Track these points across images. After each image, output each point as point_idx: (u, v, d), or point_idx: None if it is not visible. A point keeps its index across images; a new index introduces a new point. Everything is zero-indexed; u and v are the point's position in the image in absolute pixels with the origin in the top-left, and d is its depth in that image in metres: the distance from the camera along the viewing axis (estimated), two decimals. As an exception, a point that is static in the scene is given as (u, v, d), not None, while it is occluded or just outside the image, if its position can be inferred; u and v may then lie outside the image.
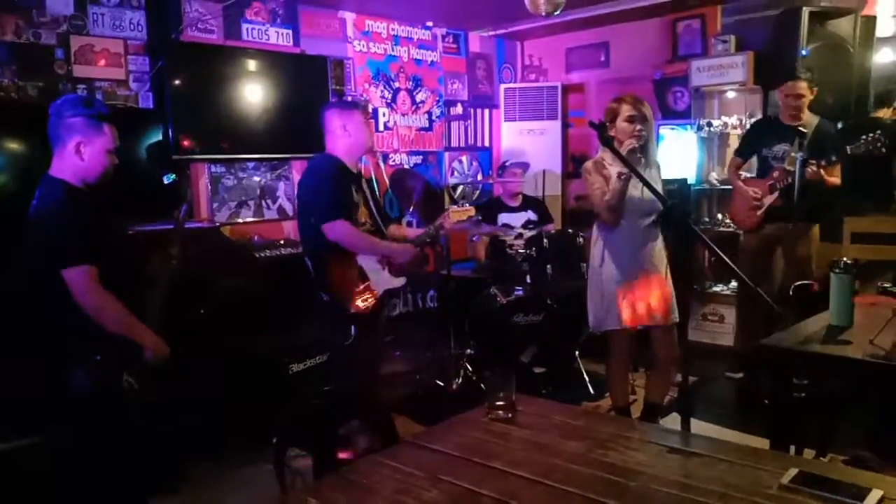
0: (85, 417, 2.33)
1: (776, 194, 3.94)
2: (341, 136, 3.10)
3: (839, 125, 4.12)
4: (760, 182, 4.08)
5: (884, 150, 3.56)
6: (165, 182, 2.75)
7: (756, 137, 4.23)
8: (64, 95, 2.47)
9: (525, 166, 5.12)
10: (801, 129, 3.85)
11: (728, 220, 5.03)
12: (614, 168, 3.08)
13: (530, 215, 4.94)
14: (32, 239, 2.35)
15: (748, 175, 4.37)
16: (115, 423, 2.35)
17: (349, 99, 5.02)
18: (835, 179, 3.85)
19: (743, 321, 4.45)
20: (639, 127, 3.07)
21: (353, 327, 3.06)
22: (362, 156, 3.36)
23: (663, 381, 3.39)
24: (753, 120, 4.73)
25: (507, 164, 5.11)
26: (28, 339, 2.48)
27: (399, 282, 3.24)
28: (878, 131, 3.57)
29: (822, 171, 3.71)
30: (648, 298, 3.17)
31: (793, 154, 3.79)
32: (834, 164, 3.83)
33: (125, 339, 2.35)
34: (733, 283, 5.03)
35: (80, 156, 2.36)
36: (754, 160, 4.29)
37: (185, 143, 4.09)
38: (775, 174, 3.94)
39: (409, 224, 5.50)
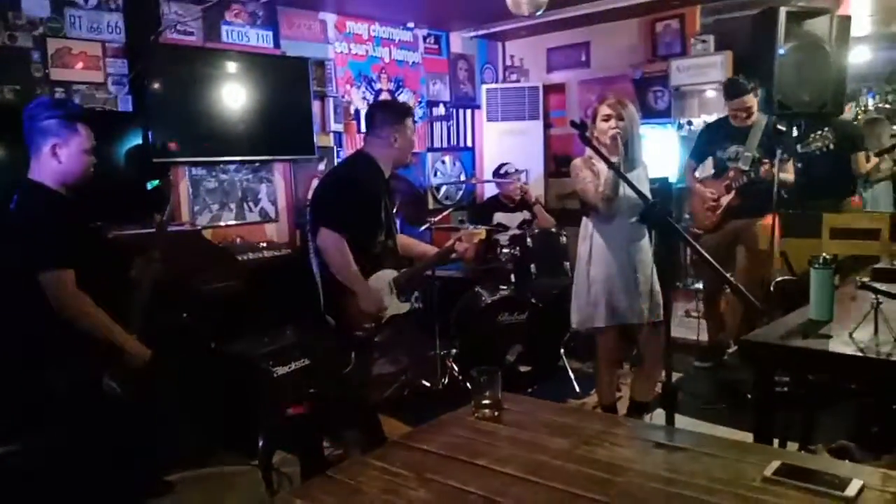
0: (67, 421, 2.30)
1: (732, 193, 4.04)
2: (389, 146, 2.95)
3: (798, 124, 4.20)
4: (717, 183, 4.17)
5: (831, 146, 3.68)
6: (148, 188, 2.73)
7: (707, 140, 4.33)
8: (36, 98, 2.45)
9: (520, 172, 5.13)
10: (746, 128, 3.99)
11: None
12: (603, 164, 3.09)
13: (526, 215, 4.95)
14: (9, 243, 2.32)
15: (704, 176, 4.43)
16: (97, 427, 2.33)
17: (403, 103, 4.89)
18: (788, 176, 3.93)
19: (710, 316, 4.51)
20: (613, 124, 3.10)
21: (353, 353, 2.97)
22: (399, 168, 3.19)
23: (650, 379, 3.40)
24: (703, 124, 4.81)
25: (504, 170, 5.06)
26: (7, 343, 2.44)
27: (405, 307, 3.14)
28: (826, 128, 3.69)
29: (772, 169, 3.78)
30: (635, 296, 3.20)
31: (747, 153, 3.90)
32: (785, 161, 3.90)
33: (106, 343, 2.33)
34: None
35: (56, 158, 2.34)
36: (709, 162, 4.37)
37: (165, 145, 4.06)
38: (731, 174, 4.03)
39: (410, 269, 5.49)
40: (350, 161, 3.16)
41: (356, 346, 2.96)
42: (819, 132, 3.70)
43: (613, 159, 3.02)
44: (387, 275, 3.04)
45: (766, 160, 3.83)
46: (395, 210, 4.64)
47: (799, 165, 4.07)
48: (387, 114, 3.00)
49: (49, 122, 2.35)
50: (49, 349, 2.31)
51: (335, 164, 4.95)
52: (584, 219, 3.35)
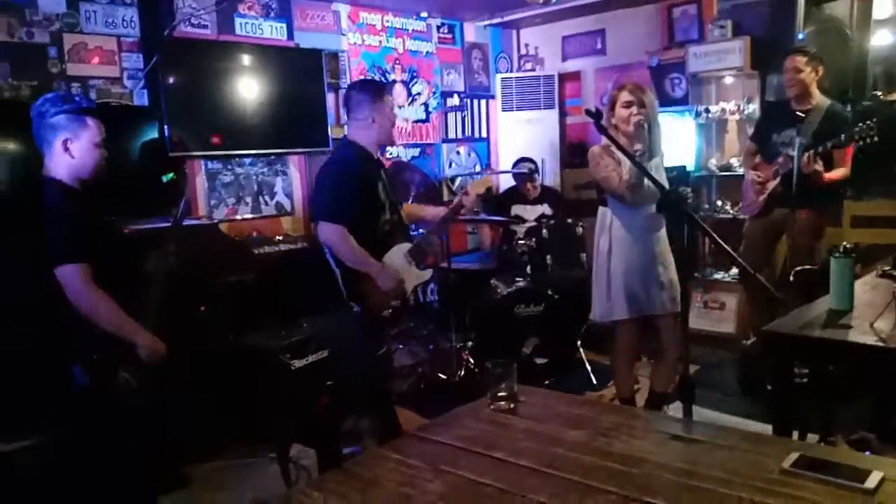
0: (82, 415, 2.33)
1: (778, 179, 3.88)
2: (368, 127, 2.92)
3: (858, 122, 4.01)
4: (767, 167, 4.04)
5: (870, 139, 3.47)
6: (164, 181, 2.74)
7: (766, 122, 4.20)
8: (43, 95, 2.46)
9: (536, 166, 5.08)
10: (805, 112, 3.81)
11: (727, 207, 5.04)
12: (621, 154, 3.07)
13: (545, 209, 4.91)
14: (26, 237, 2.34)
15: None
16: (113, 421, 2.35)
17: (376, 79, 4.85)
18: (838, 172, 3.76)
19: (743, 307, 4.44)
20: (635, 110, 3.05)
21: (384, 335, 2.99)
22: (385, 145, 3.17)
23: (669, 370, 3.36)
24: (762, 103, 4.67)
25: (524, 166, 5.02)
26: (26, 338, 2.47)
27: (426, 275, 3.16)
28: (872, 120, 3.49)
29: (815, 165, 3.62)
30: (656, 287, 3.17)
31: (799, 140, 3.69)
32: (841, 152, 3.74)
33: (121, 337, 2.35)
34: (734, 270, 5.03)
35: (69, 153, 2.35)
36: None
37: (181, 139, 4.08)
38: (780, 160, 3.89)
39: (422, 235, 5.50)
40: (336, 151, 3.16)
41: (387, 327, 3.00)
42: (863, 123, 3.48)
43: (638, 146, 3.00)
44: (401, 249, 3.04)
45: (811, 150, 3.62)
46: (409, 202, 4.67)
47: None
48: (362, 94, 2.95)
49: (58, 117, 2.36)
50: (66, 343, 2.33)
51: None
52: (601, 209, 3.31)
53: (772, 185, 3.95)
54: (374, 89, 3.00)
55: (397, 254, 3.00)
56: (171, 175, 2.74)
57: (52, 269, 2.25)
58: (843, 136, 3.60)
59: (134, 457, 2.49)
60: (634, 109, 3.05)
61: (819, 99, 3.89)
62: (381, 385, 3.05)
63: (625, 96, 3.09)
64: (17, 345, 2.47)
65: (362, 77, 5.19)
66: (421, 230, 3.42)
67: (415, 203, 3.50)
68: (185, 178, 2.84)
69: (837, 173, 3.78)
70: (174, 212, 2.69)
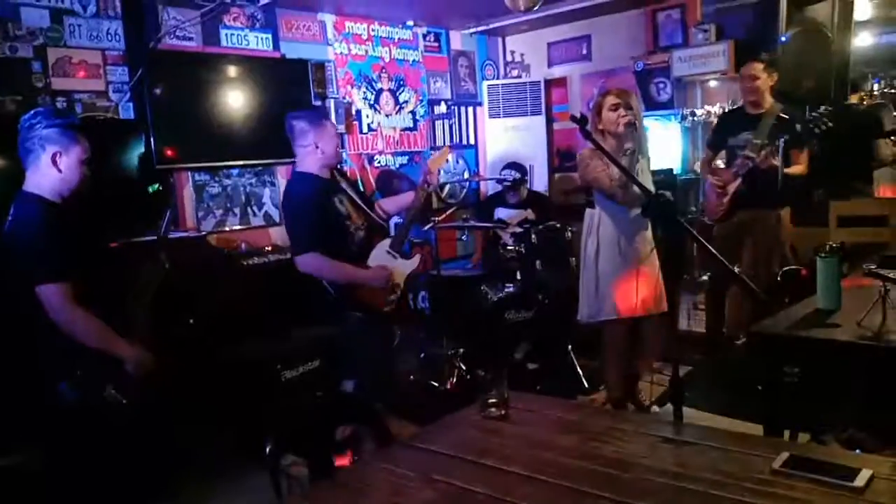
0: (69, 432, 2.31)
1: (739, 181, 3.96)
2: (313, 153, 3.03)
3: (810, 112, 4.12)
4: (726, 171, 4.13)
5: (824, 127, 3.61)
6: (150, 192, 2.73)
7: (722, 129, 4.28)
8: (33, 109, 2.44)
9: (524, 171, 5.07)
10: (759, 116, 3.93)
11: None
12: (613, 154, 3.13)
13: (529, 214, 4.91)
14: (6, 256, 2.32)
15: (720, 165, 4.39)
16: (102, 436, 2.33)
17: (315, 107, 4.91)
18: (796, 168, 3.88)
19: (734, 308, 4.46)
20: (623, 112, 3.12)
21: (394, 329, 3.14)
22: (334, 166, 3.25)
23: (649, 364, 3.53)
24: (719, 112, 4.77)
25: (509, 173, 5.02)
26: (10, 355, 2.45)
27: (415, 262, 3.26)
28: (823, 108, 3.63)
29: (772, 159, 3.74)
30: (642, 288, 3.22)
31: (755, 141, 3.83)
32: (796, 149, 3.86)
33: (106, 353, 2.33)
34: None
35: (57, 167, 2.33)
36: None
37: (168, 152, 4.07)
38: (738, 161, 3.98)
39: (397, 226, 5.50)
40: (288, 186, 3.26)
41: (391, 322, 3.15)
42: (816, 112, 3.65)
43: (629, 144, 3.08)
44: (382, 246, 3.16)
45: (767, 148, 3.77)
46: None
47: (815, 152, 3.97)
48: (302, 122, 3.06)
49: (50, 130, 2.34)
50: (51, 361, 2.31)
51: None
52: (589, 211, 3.37)
53: (732, 187, 4.02)
54: (313, 116, 3.16)
55: (380, 252, 3.13)
56: (156, 186, 2.73)
57: (32, 289, 2.23)
58: (798, 128, 3.75)
59: (121, 471, 2.47)
60: (622, 111, 3.14)
61: (771, 103, 4.00)
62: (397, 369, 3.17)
63: (611, 100, 3.15)
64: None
65: (389, 97, 5.45)
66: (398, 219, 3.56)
67: (389, 198, 3.58)
68: (170, 189, 2.82)
69: (796, 169, 3.89)
70: (159, 223, 2.68)
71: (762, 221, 4.01)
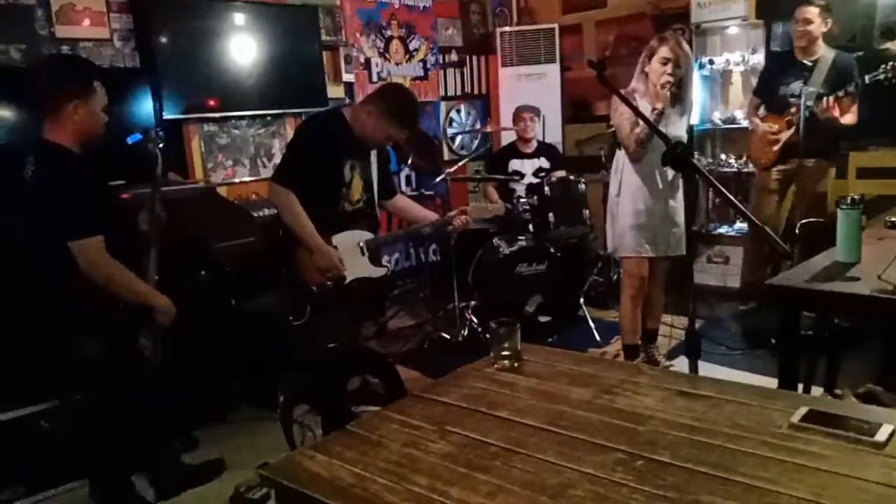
0: (104, 381, 2.33)
1: (793, 130, 3.86)
2: (365, 111, 2.86)
3: (860, 59, 3.98)
4: (779, 118, 4.01)
5: (893, 80, 3.51)
6: (129, 142, 2.63)
7: (771, 75, 4.16)
8: (50, 55, 2.39)
9: (536, 111, 4.98)
10: (812, 62, 3.81)
11: (731, 160, 4.98)
12: (645, 102, 3.16)
13: (543, 162, 4.85)
14: (34, 208, 2.29)
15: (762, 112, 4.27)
16: (132, 386, 2.36)
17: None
18: (847, 118, 3.78)
19: (749, 260, 4.43)
20: (669, 69, 3.10)
21: (308, 306, 2.90)
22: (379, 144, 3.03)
23: (656, 307, 3.61)
24: (767, 55, 4.61)
25: (519, 109, 4.95)
26: (31, 307, 2.45)
27: (378, 272, 3.08)
28: (893, 62, 3.50)
29: (833, 111, 3.65)
30: (660, 231, 3.32)
31: (811, 90, 3.73)
32: (849, 98, 3.74)
33: (136, 304, 2.34)
34: (738, 225, 4.99)
35: (78, 116, 2.30)
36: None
37: (175, 101, 4.01)
38: (793, 110, 3.86)
39: (408, 180, 5.45)
40: (315, 117, 3.09)
41: (313, 301, 2.90)
42: (891, 63, 3.52)
43: (659, 105, 3.12)
44: (358, 235, 3.00)
45: (825, 97, 3.68)
46: (408, 162, 4.59)
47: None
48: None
49: (71, 79, 2.31)
50: (79, 312, 2.31)
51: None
52: (618, 152, 3.42)
53: (786, 135, 3.92)
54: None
55: (351, 239, 2.96)
56: (138, 135, 2.65)
57: (63, 241, 2.21)
58: (857, 80, 3.64)
59: (147, 420, 2.51)
60: (669, 68, 3.12)
61: (825, 49, 3.86)
62: (312, 350, 2.98)
63: (664, 51, 3.14)
64: (25, 315, 2.45)
65: (399, 45, 5.34)
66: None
67: (411, 199, 3.43)
68: (157, 138, 2.71)
69: (847, 119, 3.79)
70: (151, 175, 2.63)
71: (811, 172, 3.92)
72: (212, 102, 4.21)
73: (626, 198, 3.33)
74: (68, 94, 2.29)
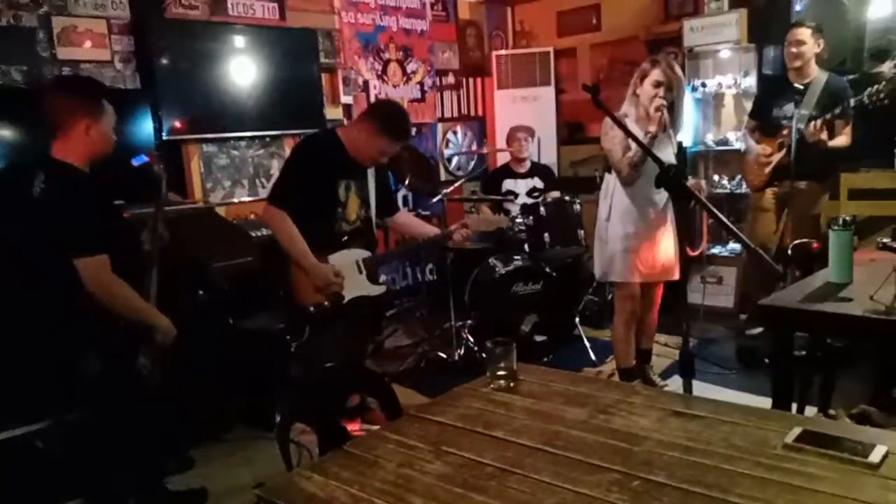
0: (100, 400, 2.33)
1: (784, 152, 3.90)
2: (358, 129, 2.91)
3: (851, 82, 4.02)
4: (771, 140, 4.05)
5: (886, 101, 3.52)
6: (135, 164, 2.66)
7: (765, 97, 4.21)
8: (58, 76, 2.41)
9: (530, 131, 5.03)
10: (805, 85, 3.85)
11: (724, 182, 5.03)
12: (637, 126, 3.16)
13: (537, 182, 4.89)
14: (38, 225, 2.30)
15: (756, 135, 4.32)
16: (129, 405, 2.35)
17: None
18: (839, 140, 3.82)
19: (744, 281, 4.46)
20: (661, 93, 3.10)
21: (307, 327, 2.91)
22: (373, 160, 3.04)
23: (650, 327, 3.60)
24: (759, 78, 4.68)
25: (513, 129, 5.00)
26: (35, 323, 2.45)
27: (376, 290, 3.07)
28: (882, 83, 3.53)
29: (821, 133, 3.68)
30: (652, 255, 3.30)
31: (803, 112, 3.76)
32: (842, 121, 3.78)
33: (137, 322, 2.34)
34: (731, 245, 5.03)
35: (89, 136, 2.32)
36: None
37: (175, 123, 4.04)
38: (784, 132, 3.91)
39: (405, 200, 5.48)
40: (312, 136, 3.11)
41: (311, 321, 2.89)
42: (876, 86, 3.54)
43: (651, 128, 3.10)
44: (356, 254, 2.99)
45: (816, 120, 3.70)
46: (405, 182, 4.62)
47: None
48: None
49: (82, 99, 2.33)
50: (81, 330, 2.31)
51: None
52: (608, 175, 3.41)
53: (777, 157, 3.97)
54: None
55: (348, 257, 2.95)
56: (143, 157, 2.68)
57: (67, 259, 2.22)
58: (849, 103, 3.66)
59: (143, 441, 2.50)
60: (661, 91, 3.10)
61: (818, 71, 3.90)
62: (312, 370, 2.99)
63: (656, 74, 3.13)
64: (25, 332, 2.45)
65: (397, 68, 5.39)
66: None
67: (413, 217, 3.45)
68: (178, 160, 2.74)
69: (839, 141, 3.83)
70: (155, 195, 2.65)
71: (804, 194, 3.95)
72: (211, 123, 4.25)
73: (617, 221, 3.31)
74: (80, 114, 2.31)
